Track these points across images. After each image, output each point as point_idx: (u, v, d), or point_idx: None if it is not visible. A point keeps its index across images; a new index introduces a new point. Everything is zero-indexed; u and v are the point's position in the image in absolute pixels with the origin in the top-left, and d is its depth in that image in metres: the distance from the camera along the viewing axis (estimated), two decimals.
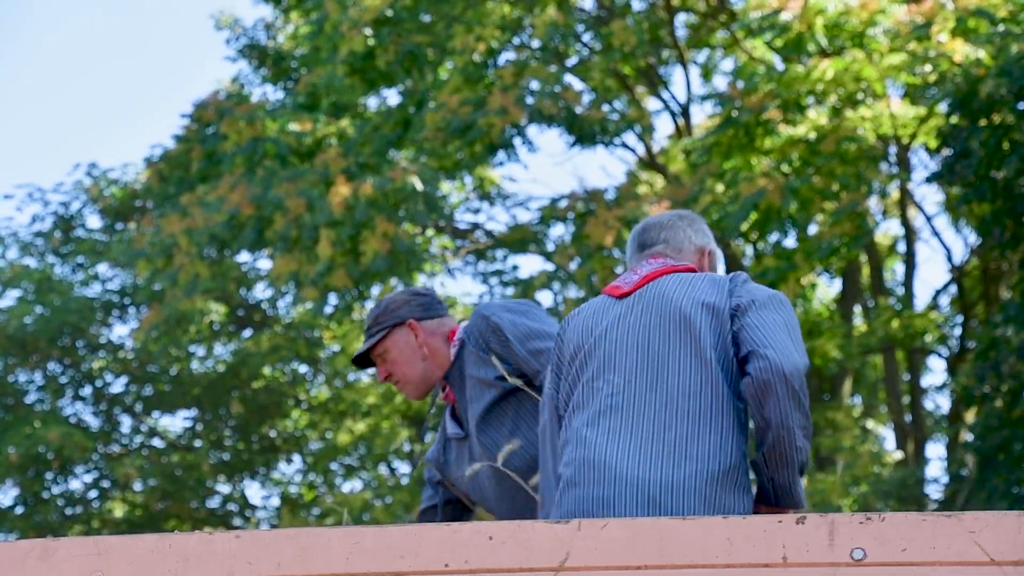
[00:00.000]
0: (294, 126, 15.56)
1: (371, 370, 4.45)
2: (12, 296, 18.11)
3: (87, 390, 18.45)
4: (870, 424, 19.51)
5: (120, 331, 18.67)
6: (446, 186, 16.33)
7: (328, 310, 16.00)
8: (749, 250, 16.97)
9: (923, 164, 16.45)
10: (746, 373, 3.31)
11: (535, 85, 14.99)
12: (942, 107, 13.81)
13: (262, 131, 15.51)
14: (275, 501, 19.18)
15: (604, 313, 3.48)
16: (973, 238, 16.90)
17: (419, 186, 14.24)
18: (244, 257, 16.81)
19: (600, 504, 3.23)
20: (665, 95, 17.41)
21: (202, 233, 14.47)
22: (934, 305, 17.54)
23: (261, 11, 28.51)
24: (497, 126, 14.35)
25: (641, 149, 17.40)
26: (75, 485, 18.01)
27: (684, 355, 3.33)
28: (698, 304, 3.38)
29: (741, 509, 3.27)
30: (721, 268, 4.28)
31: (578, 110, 14.94)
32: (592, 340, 3.44)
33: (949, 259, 17.15)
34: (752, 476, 3.41)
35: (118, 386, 18.51)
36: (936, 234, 17.22)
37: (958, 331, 17.40)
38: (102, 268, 18.48)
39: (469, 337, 4.16)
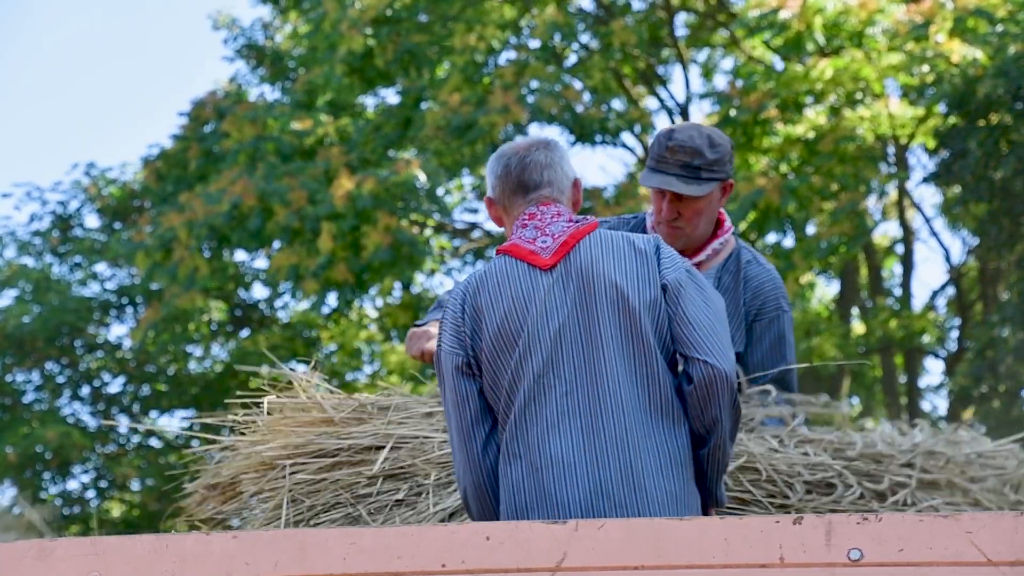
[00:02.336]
0: (295, 125, 15.57)
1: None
2: (10, 295, 18.10)
3: (85, 390, 18.44)
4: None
5: (118, 331, 18.66)
6: (444, 186, 16.35)
7: (325, 310, 15.99)
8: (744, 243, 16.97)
9: (921, 164, 16.48)
10: (688, 377, 3.30)
11: (535, 84, 15.02)
12: (940, 107, 13.83)
13: (263, 130, 15.52)
14: None
15: (532, 287, 3.35)
16: (971, 238, 16.92)
17: (423, 178, 14.25)
18: (241, 256, 16.81)
19: (567, 511, 3.23)
20: (663, 94, 17.42)
21: (202, 225, 14.45)
22: (932, 306, 17.56)
23: (259, 11, 28.50)
24: (499, 125, 14.36)
25: (640, 149, 17.41)
26: (73, 485, 18.01)
27: (626, 345, 3.29)
28: (634, 285, 3.32)
29: (696, 500, 3.32)
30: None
31: (578, 109, 14.96)
32: (530, 324, 3.32)
33: (947, 260, 17.17)
34: None
35: (116, 386, 18.51)
36: (934, 234, 17.24)
37: (955, 332, 17.43)
38: (100, 267, 18.47)
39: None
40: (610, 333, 3.30)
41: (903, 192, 16.34)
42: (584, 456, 3.25)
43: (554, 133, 14.86)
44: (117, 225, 18.32)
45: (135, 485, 18.14)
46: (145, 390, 18.42)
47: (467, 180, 17.17)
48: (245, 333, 18.63)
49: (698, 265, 4.10)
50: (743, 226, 14.21)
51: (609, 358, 3.28)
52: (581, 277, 3.34)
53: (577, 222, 3.43)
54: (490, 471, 3.36)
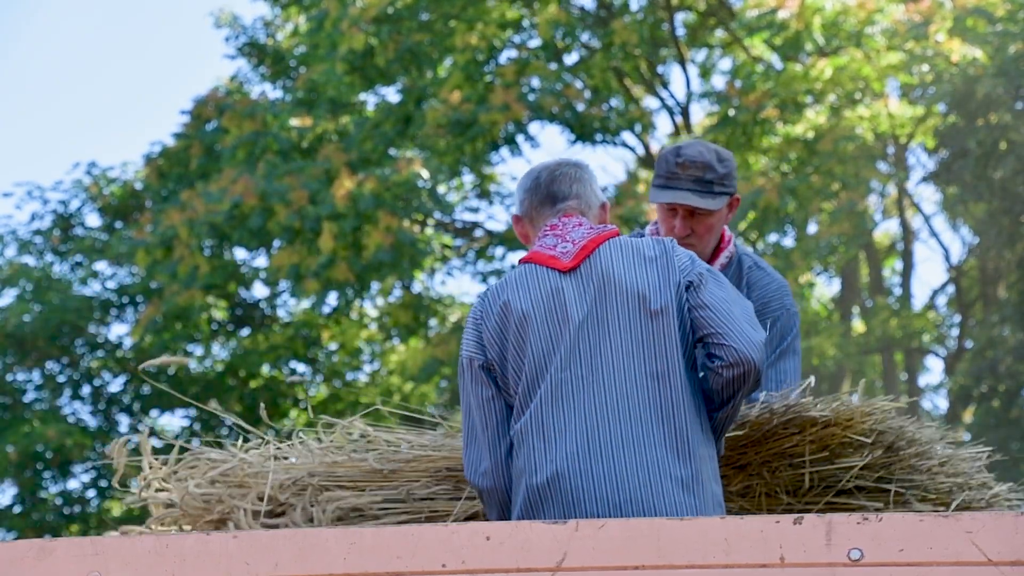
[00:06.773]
0: (295, 121, 15.57)
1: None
2: (11, 294, 18.08)
3: (86, 389, 18.43)
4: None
5: (119, 330, 18.66)
6: (445, 185, 16.35)
7: (326, 310, 15.98)
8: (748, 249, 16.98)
9: (921, 164, 16.48)
10: (713, 362, 3.32)
11: (536, 83, 15.01)
12: (940, 107, 13.82)
13: (263, 127, 15.54)
14: None
15: (553, 287, 3.39)
16: (970, 238, 16.92)
17: (426, 174, 14.27)
18: (242, 254, 16.80)
19: (563, 511, 3.24)
20: (663, 93, 17.41)
21: (202, 223, 14.45)
22: (932, 305, 17.57)
23: (260, 9, 28.51)
24: (499, 123, 14.37)
25: (641, 148, 17.41)
26: (73, 484, 18.01)
27: (639, 347, 3.31)
28: (655, 287, 3.35)
29: (719, 495, 3.33)
30: None
31: (579, 107, 14.96)
32: (551, 322, 3.36)
33: (947, 259, 17.18)
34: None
35: (116, 385, 18.50)
36: (934, 234, 17.25)
37: (955, 331, 17.43)
38: (101, 267, 18.46)
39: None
40: (620, 336, 3.33)
41: (903, 191, 16.34)
42: (579, 460, 3.26)
43: (554, 132, 14.85)
44: (118, 224, 18.32)
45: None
46: (146, 389, 18.42)
47: (468, 179, 17.17)
48: (246, 332, 18.63)
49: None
50: (743, 226, 14.21)
51: (617, 360, 3.31)
52: (601, 279, 3.37)
53: (597, 230, 3.46)
54: (510, 475, 3.40)
